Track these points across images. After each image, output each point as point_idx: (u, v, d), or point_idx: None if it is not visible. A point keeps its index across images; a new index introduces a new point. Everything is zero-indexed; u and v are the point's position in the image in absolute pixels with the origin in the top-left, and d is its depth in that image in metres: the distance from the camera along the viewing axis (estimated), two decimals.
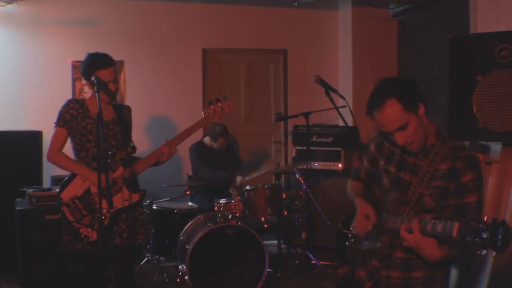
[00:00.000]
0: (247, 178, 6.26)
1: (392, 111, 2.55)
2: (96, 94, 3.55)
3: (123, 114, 4.04)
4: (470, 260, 3.97)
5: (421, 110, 2.60)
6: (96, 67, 3.77)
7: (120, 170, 3.82)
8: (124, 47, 6.96)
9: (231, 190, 6.19)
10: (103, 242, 3.69)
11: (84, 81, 3.98)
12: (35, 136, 5.89)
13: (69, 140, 3.90)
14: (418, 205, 2.66)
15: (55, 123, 3.85)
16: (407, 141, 2.61)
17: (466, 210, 2.56)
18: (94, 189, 3.77)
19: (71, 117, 3.82)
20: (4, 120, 6.45)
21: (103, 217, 3.72)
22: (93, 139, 3.81)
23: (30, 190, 5.22)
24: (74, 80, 6.80)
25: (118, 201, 3.76)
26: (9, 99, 6.64)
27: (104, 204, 3.64)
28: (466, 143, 2.70)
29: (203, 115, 4.06)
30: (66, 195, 3.80)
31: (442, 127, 4.09)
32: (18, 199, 5.36)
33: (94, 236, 3.76)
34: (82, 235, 3.75)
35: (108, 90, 3.81)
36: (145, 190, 4.00)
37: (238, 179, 6.27)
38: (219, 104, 4.08)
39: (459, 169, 2.57)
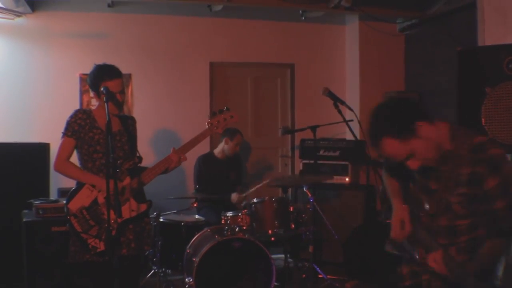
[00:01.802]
0: (244, 194, 6.27)
1: (391, 148, 2.53)
2: (106, 104, 3.56)
3: (128, 125, 4.04)
4: None
5: (423, 128, 2.50)
6: (103, 78, 3.78)
7: (127, 181, 3.81)
8: (132, 60, 6.99)
9: (234, 202, 6.24)
10: (111, 253, 3.69)
11: (91, 93, 3.99)
12: (43, 148, 5.90)
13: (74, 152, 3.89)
14: (449, 213, 2.61)
15: (62, 132, 3.83)
16: (421, 163, 2.57)
17: (498, 216, 2.51)
18: (101, 200, 3.77)
19: (79, 127, 3.82)
20: (12, 132, 6.48)
21: (111, 228, 3.73)
22: (101, 150, 3.81)
23: (37, 202, 5.21)
24: (82, 93, 6.83)
25: (126, 212, 3.74)
26: (17, 111, 6.67)
27: (112, 215, 3.65)
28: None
29: (207, 126, 4.07)
30: (74, 205, 3.78)
31: None
32: (25, 211, 5.35)
33: (101, 247, 3.74)
34: (90, 246, 3.73)
35: (116, 101, 3.81)
36: (151, 201, 3.98)
37: (235, 196, 6.29)
38: (222, 115, 4.11)
39: (481, 175, 2.47)
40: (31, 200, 5.28)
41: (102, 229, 3.75)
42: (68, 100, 6.69)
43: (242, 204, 5.66)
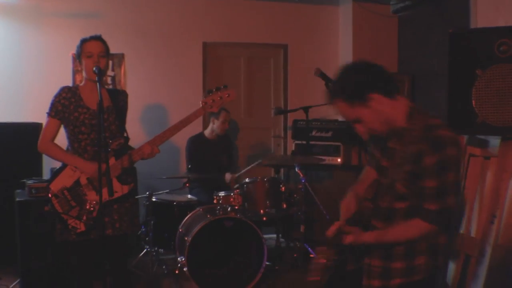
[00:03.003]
0: (237, 174, 6.30)
1: (341, 109, 2.61)
2: (98, 84, 3.54)
3: (119, 100, 3.97)
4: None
5: (376, 101, 2.53)
6: (84, 40, 3.78)
7: (112, 161, 3.70)
8: (125, 41, 6.97)
9: (228, 182, 6.27)
10: (95, 232, 3.69)
11: (79, 67, 3.89)
12: (35, 128, 5.88)
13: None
14: (391, 193, 2.61)
15: (47, 113, 3.80)
16: (366, 132, 2.64)
17: (424, 194, 2.48)
18: (83, 180, 3.74)
19: (63, 107, 3.77)
20: (5, 112, 6.47)
21: (92, 209, 3.73)
22: (86, 130, 3.76)
23: (30, 182, 5.21)
24: (75, 72, 6.81)
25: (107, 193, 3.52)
26: (9, 91, 6.66)
27: (94, 196, 3.69)
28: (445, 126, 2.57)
29: (201, 105, 3.98)
30: (55, 185, 3.75)
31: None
32: (18, 191, 5.36)
33: (82, 227, 3.71)
34: (70, 227, 3.70)
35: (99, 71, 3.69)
36: (134, 184, 3.94)
37: (228, 176, 6.32)
38: (218, 93, 4.01)
39: (422, 152, 2.45)
40: (24, 180, 5.29)
41: (83, 210, 3.73)
42: (60, 80, 6.65)
43: (235, 186, 5.69)
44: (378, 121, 2.57)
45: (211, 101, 3.99)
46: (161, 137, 3.84)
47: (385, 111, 2.55)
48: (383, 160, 2.71)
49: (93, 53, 3.73)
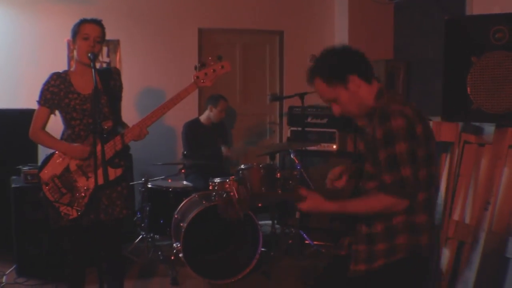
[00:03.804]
0: (232, 148, 6.32)
1: (319, 88, 2.69)
2: (93, 71, 3.51)
3: (111, 79, 3.88)
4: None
5: (353, 83, 2.62)
6: (82, 21, 3.73)
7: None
8: (120, 26, 6.93)
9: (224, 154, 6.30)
10: (87, 218, 3.69)
11: (71, 45, 3.83)
12: (30, 115, 5.82)
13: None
14: (365, 174, 2.67)
15: (37, 101, 3.78)
16: (342, 112, 2.72)
17: (380, 168, 2.51)
18: (73, 167, 3.72)
19: (52, 95, 3.74)
20: (0, 99, 6.45)
21: (83, 195, 3.71)
22: (78, 116, 3.73)
23: (25, 168, 5.22)
24: (70, 59, 6.78)
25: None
26: (4, 77, 6.63)
27: (84, 181, 3.68)
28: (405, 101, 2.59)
29: (193, 80, 3.82)
30: (45, 174, 3.74)
31: (437, 110, 4.14)
32: (14, 177, 5.37)
33: (74, 214, 3.69)
34: (62, 214, 3.69)
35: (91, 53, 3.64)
36: (127, 166, 3.91)
37: (224, 150, 6.34)
38: (211, 66, 3.83)
39: (375, 127, 2.53)
40: (20, 166, 5.29)
41: (74, 196, 3.71)
42: (55, 66, 6.49)
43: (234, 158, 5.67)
44: (354, 103, 2.67)
45: (203, 74, 3.82)
46: (151, 117, 3.77)
47: (361, 94, 2.65)
48: (361, 144, 2.80)
49: (90, 36, 3.69)
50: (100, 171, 3.41)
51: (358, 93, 2.64)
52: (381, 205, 2.53)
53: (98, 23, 3.78)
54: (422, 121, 2.56)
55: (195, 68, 3.86)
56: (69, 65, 6.76)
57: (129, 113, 4.11)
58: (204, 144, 6.39)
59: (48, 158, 3.78)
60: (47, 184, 3.72)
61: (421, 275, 2.73)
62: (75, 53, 3.80)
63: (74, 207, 3.69)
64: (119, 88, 3.96)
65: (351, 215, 2.69)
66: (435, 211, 2.78)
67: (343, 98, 2.65)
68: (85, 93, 3.75)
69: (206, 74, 3.82)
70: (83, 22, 3.74)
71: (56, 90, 3.74)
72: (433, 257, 2.75)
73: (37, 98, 3.80)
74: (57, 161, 3.75)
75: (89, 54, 3.61)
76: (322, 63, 2.68)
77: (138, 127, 3.76)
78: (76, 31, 3.73)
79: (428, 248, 2.63)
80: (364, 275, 2.66)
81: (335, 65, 2.65)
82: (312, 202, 2.66)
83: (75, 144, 3.71)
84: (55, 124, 3.93)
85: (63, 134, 3.86)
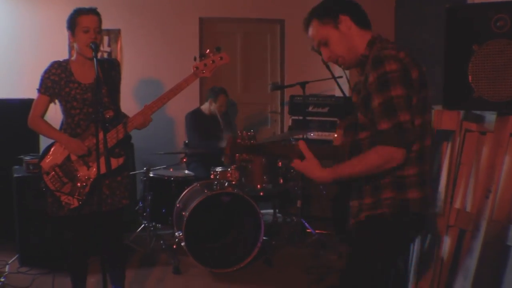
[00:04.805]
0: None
1: (313, 30, 2.69)
2: (95, 60, 3.49)
3: (112, 70, 3.88)
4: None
5: (344, 23, 2.63)
6: (78, 13, 3.67)
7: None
8: (121, 16, 6.93)
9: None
10: (88, 208, 3.71)
11: (71, 38, 3.75)
12: (31, 104, 5.84)
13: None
14: (357, 126, 2.59)
15: (37, 89, 3.77)
16: (331, 56, 2.70)
17: (375, 115, 2.41)
18: (74, 157, 3.72)
19: (53, 83, 3.72)
20: (1, 89, 6.45)
21: (84, 184, 3.71)
22: (78, 106, 3.72)
23: (27, 158, 5.23)
24: (71, 48, 6.77)
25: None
26: (5, 67, 6.64)
27: (85, 171, 3.68)
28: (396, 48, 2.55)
29: (192, 71, 3.85)
30: (46, 163, 3.73)
31: (438, 98, 4.13)
32: (16, 167, 5.38)
33: (75, 203, 3.70)
34: (63, 203, 3.70)
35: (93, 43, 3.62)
36: (128, 156, 3.91)
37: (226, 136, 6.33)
38: (210, 57, 3.86)
39: (368, 73, 2.46)
40: (21, 156, 5.30)
41: (75, 186, 3.71)
42: (56, 56, 6.45)
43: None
44: (344, 46, 2.65)
45: (203, 65, 3.86)
46: (151, 107, 3.77)
47: (352, 37, 2.65)
48: (353, 95, 2.73)
49: (90, 28, 3.65)
50: (101, 161, 3.39)
51: (349, 36, 2.64)
52: (380, 158, 2.41)
53: (95, 12, 3.73)
54: (417, 66, 2.50)
55: (195, 59, 3.91)
56: (70, 55, 6.75)
57: (130, 102, 4.12)
58: (207, 133, 6.38)
59: (49, 148, 3.78)
60: (48, 174, 3.72)
61: (408, 229, 2.66)
62: (75, 46, 3.78)
63: (75, 197, 3.70)
64: (119, 80, 3.96)
65: (351, 177, 2.57)
66: (429, 165, 2.67)
67: (333, 38, 2.64)
68: (86, 83, 3.75)
69: (205, 65, 3.87)
70: (80, 14, 3.67)
71: (56, 79, 3.73)
72: (427, 211, 2.64)
73: (37, 86, 3.80)
74: (59, 150, 3.74)
75: (91, 44, 3.58)
76: (318, 5, 2.71)
77: (141, 116, 3.76)
78: (74, 23, 3.67)
79: (418, 203, 2.55)
80: (353, 228, 2.69)
81: (329, 5, 2.69)
82: (308, 164, 2.60)
83: (74, 139, 3.71)
84: (55, 115, 3.92)
85: (62, 123, 3.85)
